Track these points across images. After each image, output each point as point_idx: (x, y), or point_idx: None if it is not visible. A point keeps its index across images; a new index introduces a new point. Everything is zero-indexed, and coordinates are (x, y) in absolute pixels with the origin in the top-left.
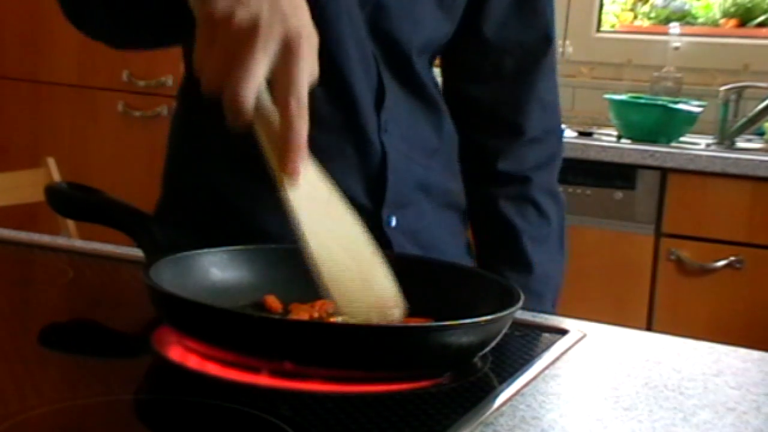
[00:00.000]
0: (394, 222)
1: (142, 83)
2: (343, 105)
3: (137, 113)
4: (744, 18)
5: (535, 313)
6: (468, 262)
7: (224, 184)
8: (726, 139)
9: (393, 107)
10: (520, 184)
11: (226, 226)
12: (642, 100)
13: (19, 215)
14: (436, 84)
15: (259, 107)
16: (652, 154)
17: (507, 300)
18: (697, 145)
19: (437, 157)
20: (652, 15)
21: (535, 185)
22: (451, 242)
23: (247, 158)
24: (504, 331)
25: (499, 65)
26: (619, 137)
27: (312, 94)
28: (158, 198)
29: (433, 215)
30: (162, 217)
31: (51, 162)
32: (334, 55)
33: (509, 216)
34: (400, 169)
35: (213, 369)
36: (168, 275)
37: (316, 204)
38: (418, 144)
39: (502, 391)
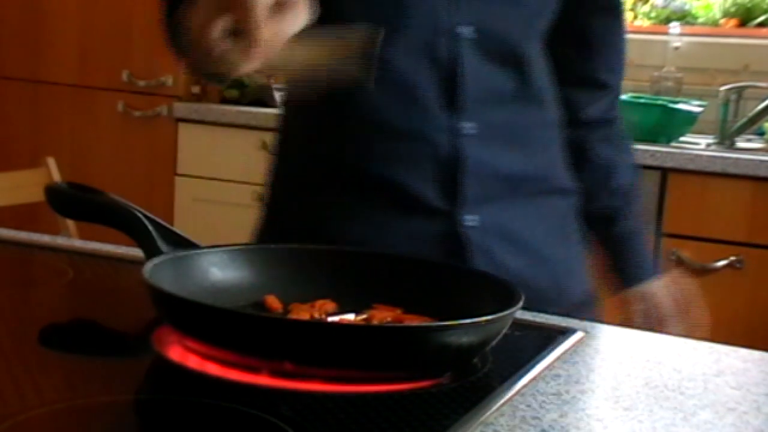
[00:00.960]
0: (473, 221)
1: (142, 83)
2: (409, 109)
3: (137, 113)
4: (744, 18)
5: (535, 313)
6: (573, 248)
7: (318, 202)
8: (726, 139)
9: (477, 103)
10: (606, 127)
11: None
12: (642, 100)
13: (19, 215)
14: (544, 68)
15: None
16: (653, 154)
17: (507, 300)
18: (697, 145)
19: (535, 145)
20: (652, 15)
21: (617, 124)
22: (546, 231)
23: (339, 178)
24: (504, 331)
25: (585, 27)
26: None
27: (374, 100)
28: (259, 215)
29: (526, 205)
30: (262, 234)
31: (51, 162)
32: (398, 63)
33: (602, 152)
34: (481, 166)
35: (213, 369)
36: (168, 275)
37: None
38: (509, 136)
39: (502, 391)
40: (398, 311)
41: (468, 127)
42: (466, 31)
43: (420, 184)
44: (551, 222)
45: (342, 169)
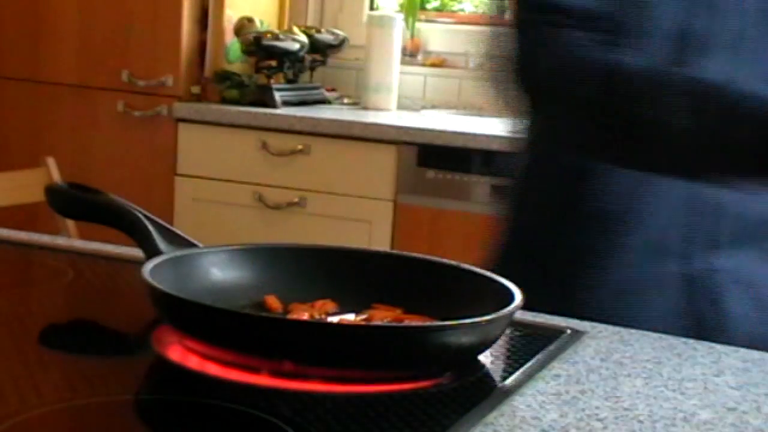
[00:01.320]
0: (717, 265)
1: (142, 83)
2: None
3: (137, 113)
4: None
5: (535, 313)
6: None
7: (577, 244)
8: None
9: None
10: None
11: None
12: None
13: (19, 215)
14: None
15: None
16: None
17: (507, 300)
18: None
19: None
20: None
21: None
22: None
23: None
24: (504, 331)
25: None
26: None
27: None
28: (501, 246)
29: (765, 250)
30: (505, 263)
31: (51, 162)
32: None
33: None
34: (737, 209)
35: (213, 369)
36: (168, 275)
37: None
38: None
39: (502, 391)
40: (398, 311)
41: None
42: None
43: (675, 228)
44: None
45: (598, 210)
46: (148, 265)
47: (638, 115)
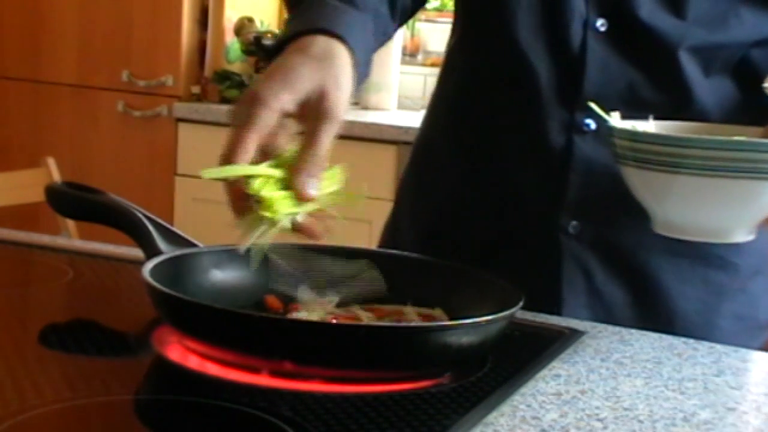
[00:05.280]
0: (573, 229)
1: (142, 83)
2: (522, 99)
3: (137, 113)
4: None
5: (535, 313)
6: (686, 275)
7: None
8: None
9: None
10: None
11: None
12: None
13: (19, 215)
14: (700, 82)
15: None
16: None
17: (507, 300)
18: None
19: None
20: None
21: None
22: (657, 253)
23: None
24: (504, 331)
25: None
26: None
27: (491, 86)
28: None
29: (650, 241)
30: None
31: (51, 162)
32: (515, 48)
33: None
34: (593, 172)
35: (213, 369)
36: (168, 275)
37: None
38: None
39: (502, 391)
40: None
41: (582, 124)
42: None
43: (523, 179)
44: (665, 244)
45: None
46: (148, 265)
47: None
